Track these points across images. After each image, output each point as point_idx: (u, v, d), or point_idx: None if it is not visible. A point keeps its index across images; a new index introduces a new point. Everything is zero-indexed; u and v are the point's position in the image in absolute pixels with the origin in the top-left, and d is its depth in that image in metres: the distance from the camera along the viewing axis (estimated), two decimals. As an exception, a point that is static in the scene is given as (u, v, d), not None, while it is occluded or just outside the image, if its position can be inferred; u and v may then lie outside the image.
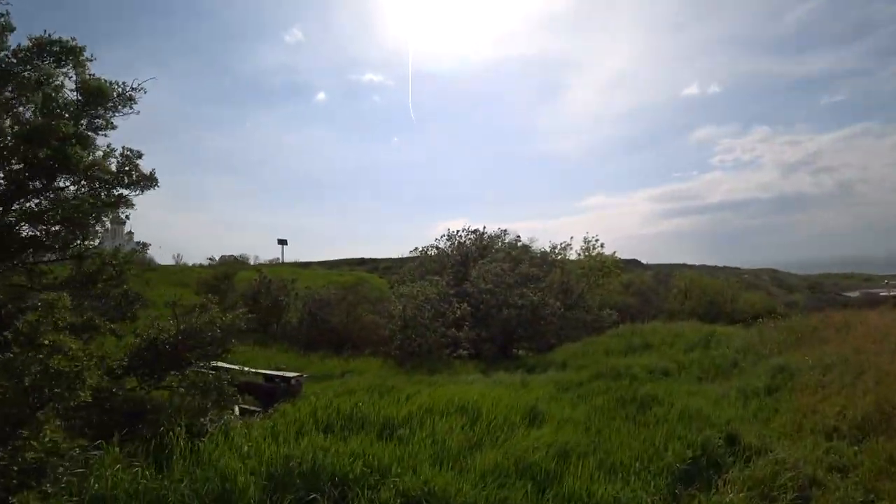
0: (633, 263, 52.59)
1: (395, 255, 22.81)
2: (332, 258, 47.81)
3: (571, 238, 23.07)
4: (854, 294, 40.03)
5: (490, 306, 16.50)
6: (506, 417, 6.71)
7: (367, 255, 47.33)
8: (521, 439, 5.64)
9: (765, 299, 28.89)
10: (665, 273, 39.54)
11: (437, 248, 21.06)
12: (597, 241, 22.47)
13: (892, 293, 15.14)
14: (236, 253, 35.31)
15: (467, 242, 20.95)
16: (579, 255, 23.17)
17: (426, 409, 7.03)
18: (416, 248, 21.22)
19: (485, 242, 21.02)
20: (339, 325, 17.22)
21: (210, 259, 25.11)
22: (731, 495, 4.41)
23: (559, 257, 22.02)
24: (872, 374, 7.08)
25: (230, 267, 25.03)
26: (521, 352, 17.30)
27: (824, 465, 5.17)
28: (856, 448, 5.49)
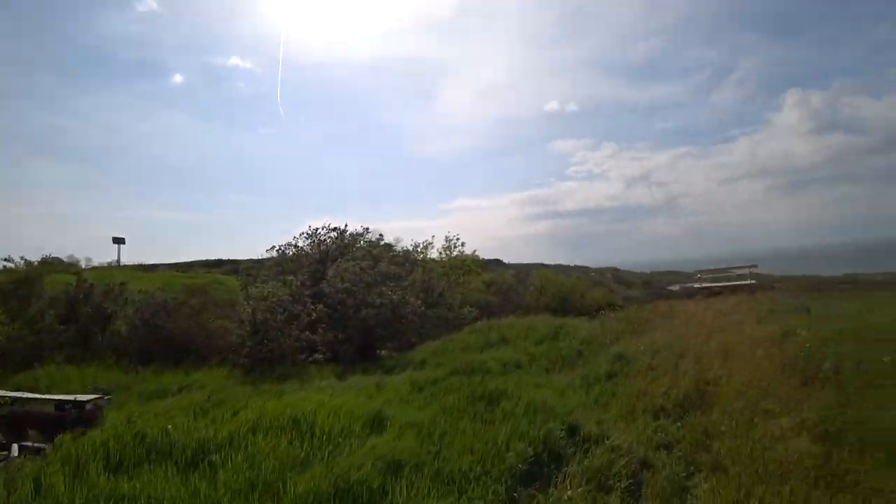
0: (496, 263, 55.59)
1: (259, 256, 20.56)
2: (187, 259, 42.56)
3: (433, 237, 23.11)
4: (676, 288, 47.59)
5: (348, 307, 15.59)
6: (344, 427, 5.98)
7: (228, 256, 42.88)
8: (355, 452, 4.93)
9: (607, 294, 32.29)
10: (525, 272, 42.15)
11: (296, 246, 19.53)
12: (458, 240, 22.81)
13: (703, 285, 17.50)
14: (65, 253, 29.35)
15: (328, 241, 19.76)
16: (441, 254, 23.31)
17: (252, 426, 6.01)
18: (274, 247, 19.44)
19: (346, 241, 20.00)
20: (179, 333, 14.94)
21: (7, 260, 20.16)
22: (569, 491, 4.18)
23: (421, 256, 21.88)
24: (692, 355, 7.76)
25: (34, 270, 20.50)
26: (383, 352, 16.71)
27: (653, 444, 5.32)
28: (678, 424, 5.79)
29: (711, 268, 18.82)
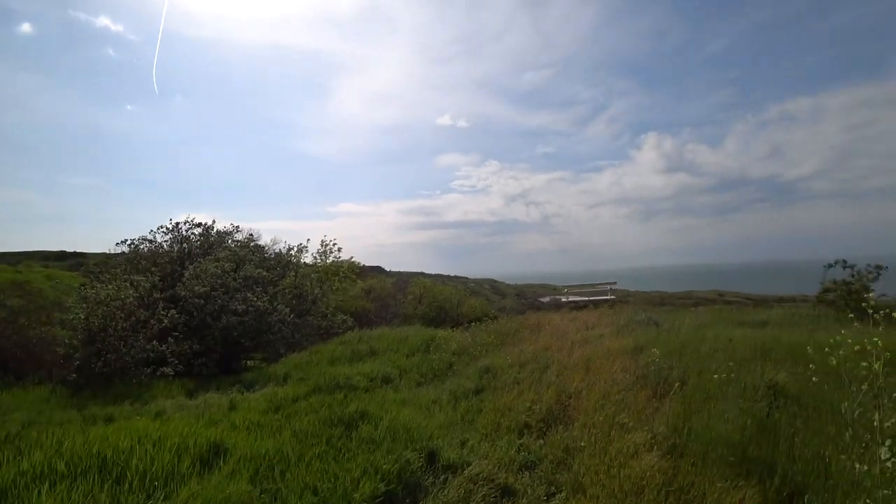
0: (378, 270, 55.14)
1: (109, 251, 17.30)
2: (18, 249, 35.09)
3: (308, 240, 21.70)
4: (547, 300, 51.06)
5: (206, 313, 13.80)
6: (167, 466, 4.86)
7: (74, 248, 36.22)
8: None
9: (484, 304, 33.43)
10: (405, 280, 42.16)
11: (153, 242, 16.94)
12: (334, 244, 21.71)
13: (570, 299, 18.59)
14: None
15: (191, 238, 17.48)
16: (315, 258, 21.98)
17: (41, 472, 4.64)
18: (126, 241, 16.62)
19: (212, 239, 17.89)
20: (-15, 343, 12.04)
21: None
22: (421, 532, 3.66)
23: (294, 260, 20.40)
24: (555, 368, 7.84)
25: None
26: (251, 363, 15.12)
27: (516, 466, 5.06)
28: (541, 441, 5.63)
29: (577, 283, 20.18)
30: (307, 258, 23.03)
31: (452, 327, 19.26)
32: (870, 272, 11.07)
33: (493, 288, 67.39)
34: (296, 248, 22.08)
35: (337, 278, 23.64)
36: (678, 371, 5.97)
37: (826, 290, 11.47)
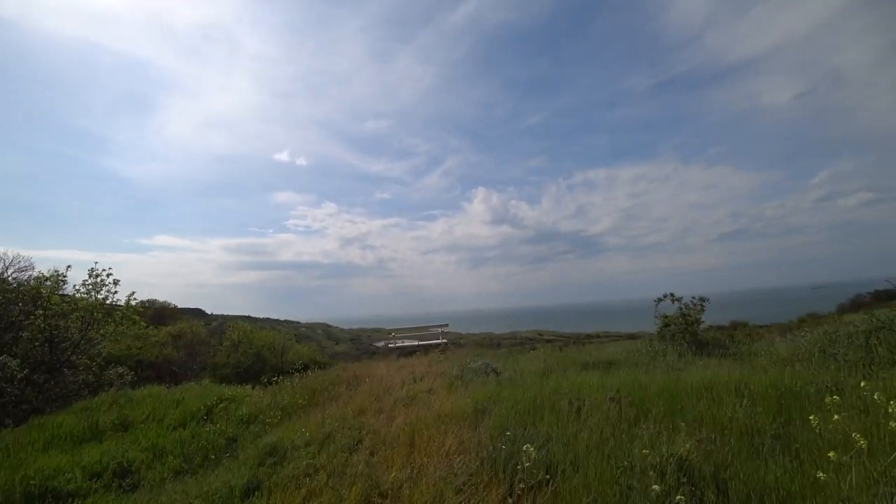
0: (196, 313, 47.48)
1: None
2: None
3: (69, 268, 16.25)
4: (381, 344, 49.16)
5: None
6: None
7: None
8: None
9: (313, 350, 30.09)
10: (225, 324, 36.99)
11: None
12: (108, 275, 16.79)
13: (398, 344, 16.78)
14: None
15: None
16: (78, 291, 16.65)
17: None
18: None
19: None
20: None
21: None
22: None
23: (46, 293, 15.02)
24: (368, 443, 5.70)
25: None
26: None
27: None
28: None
29: (408, 326, 18.52)
30: (68, 290, 17.40)
31: (273, 379, 16.18)
32: (696, 305, 11.46)
33: (326, 332, 63.40)
34: (51, 279, 16.50)
35: (111, 321, 18.26)
36: (539, 448, 4.20)
37: (666, 325, 11.37)
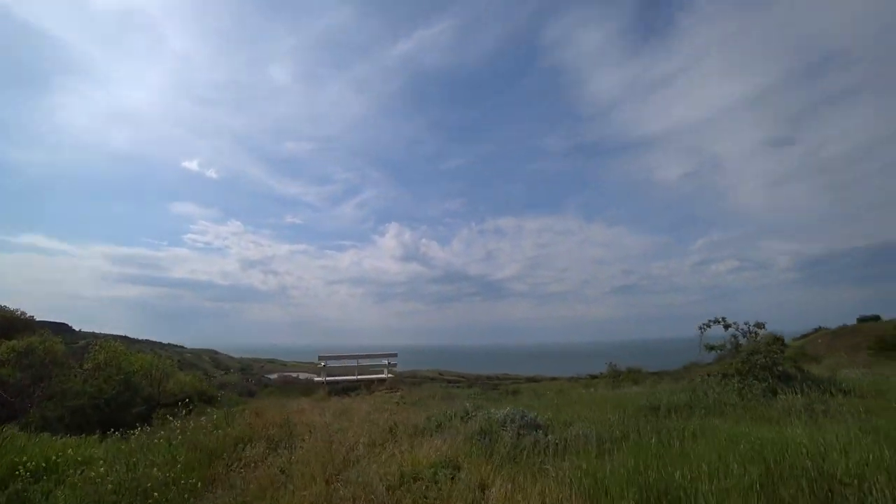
0: (60, 328, 38.12)
1: None
2: None
3: None
4: (274, 376, 43.00)
5: None
6: None
7: None
8: None
9: (198, 380, 24.45)
10: (94, 343, 29.24)
11: None
12: None
13: (326, 378, 12.48)
14: None
15: None
16: None
17: None
18: None
19: None
20: None
21: None
22: None
23: None
24: None
25: None
26: None
27: None
28: None
29: (340, 354, 14.10)
30: None
31: (149, 410, 11.38)
32: (752, 331, 9.12)
33: (213, 360, 55.11)
34: None
35: None
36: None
37: (749, 359, 8.51)
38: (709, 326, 9.48)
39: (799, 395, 7.33)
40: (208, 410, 14.91)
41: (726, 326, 9.56)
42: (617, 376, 15.86)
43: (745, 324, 9.48)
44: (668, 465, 4.00)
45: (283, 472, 5.02)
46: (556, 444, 5.05)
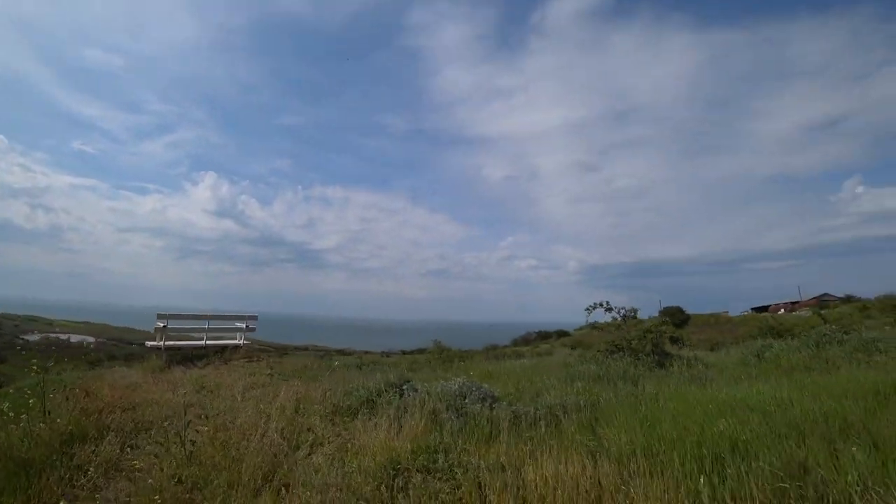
0: None
1: None
2: None
3: None
4: (35, 337, 35.31)
5: None
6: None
7: None
8: None
9: None
10: None
11: None
12: None
13: (162, 343, 9.83)
14: None
15: None
16: None
17: None
18: None
19: None
20: None
21: None
22: None
23: None
24: None
25: None
26: None
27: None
28: None
29: (182, 313, 11.03)
30: None
31: None
32: (630, 315, 9.77)
33: (-69, 318, 41.94)
34: None
35: None
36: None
37: (636, 339, 8.96)
38: (593, 309, 10.15)
39: (684, 368, 8.02)
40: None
41: (608, 310, 10.39)
42: (442, 353, 15.68)
43: (622, 308, 10.51)
44: (690, 425, 3.87)
45: (180, 481, 3.36)
46: (544, 416, 4.41)
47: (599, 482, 3.18)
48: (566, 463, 3.40)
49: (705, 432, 3.70)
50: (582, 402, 4.83)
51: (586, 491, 3.06)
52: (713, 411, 4.33)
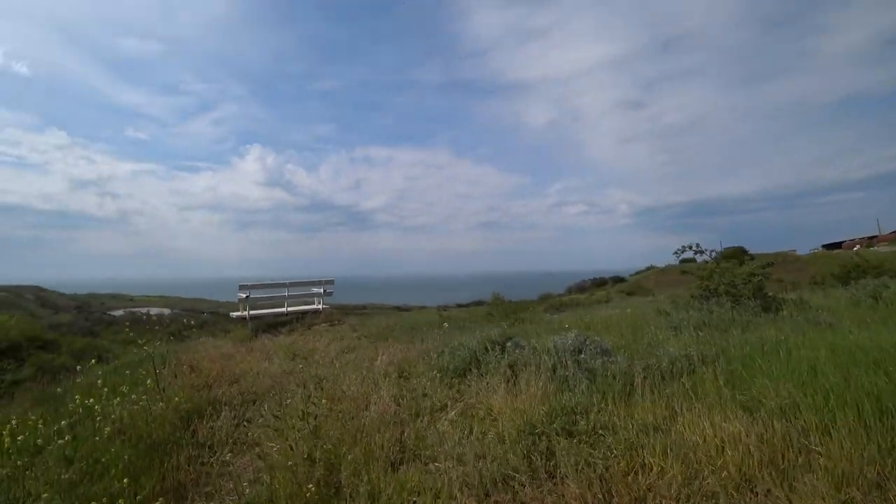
0: None
1: None
2: None
3: None
4: (119, 313, 38.02)
5: None
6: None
7: None
8: None
9: (27, 322, 19.85)
10: None
11: None
12: None
13: (245, 313, 10.17)
14: None
15: None
16: None
17: None
18: None
19: None
20: None
21: None
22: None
23: None
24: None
25: None
26: None
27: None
28: None
29: (262, 283, 11.46)
30: None
31: None
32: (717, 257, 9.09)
33: (39, 298, 46.00)
34: None
35: None
36: None
37: (732, 283, 8.44)
38: (683, 251, 9.72)
39: (794, 312, 7.41)
40: (55, 363, 11.63)
41: (698, 252, 9.84)
42: (501, 305, 15.27)
43: (712, 251, 9.97)
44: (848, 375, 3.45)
45: (311, 458, 3.29)
46: (676, 369, 4.13)
47: (766, 441, 2.89)
48: (721, 420, 3.13)
49: (873, 382, 3.30)
50: (707, 353, 4.47)
51: (758, 450, 2.78)
52: (862, 360, 3.88)
